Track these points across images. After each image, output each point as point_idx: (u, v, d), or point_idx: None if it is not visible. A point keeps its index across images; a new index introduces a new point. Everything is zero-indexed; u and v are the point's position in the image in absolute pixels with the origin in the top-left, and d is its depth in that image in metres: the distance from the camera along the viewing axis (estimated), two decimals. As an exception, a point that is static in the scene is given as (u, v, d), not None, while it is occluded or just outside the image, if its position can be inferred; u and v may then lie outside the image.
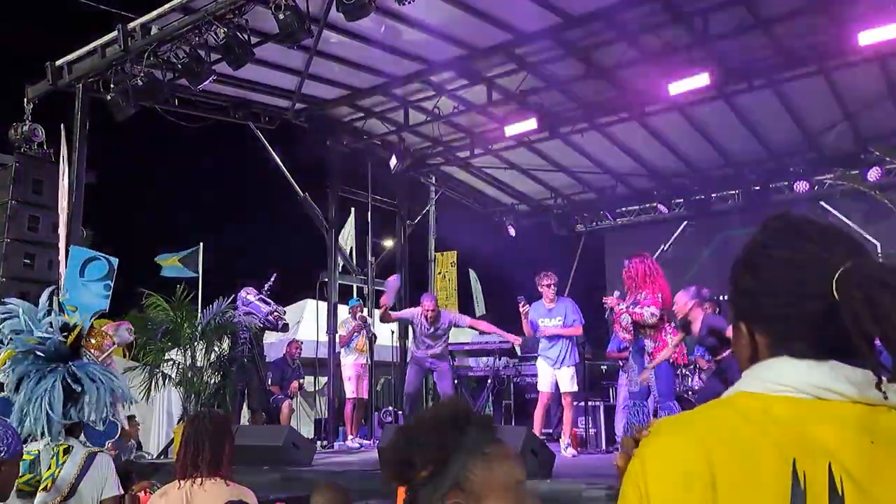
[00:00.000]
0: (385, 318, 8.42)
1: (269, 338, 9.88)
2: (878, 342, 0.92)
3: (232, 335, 8.33)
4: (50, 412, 3.01)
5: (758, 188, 11.31)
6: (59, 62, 8.60)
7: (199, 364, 8.16)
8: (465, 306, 13.19)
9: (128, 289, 8.72)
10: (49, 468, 2.94)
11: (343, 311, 9.91)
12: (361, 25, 7.61)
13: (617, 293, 7.06)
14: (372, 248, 11.61)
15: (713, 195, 11.93)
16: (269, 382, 9.18)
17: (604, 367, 9.25)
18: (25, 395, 3.06)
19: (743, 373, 1.05)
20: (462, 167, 12.29)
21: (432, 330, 7.93)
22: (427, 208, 12.83)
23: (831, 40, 7.87)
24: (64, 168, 8.69)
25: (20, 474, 2.74)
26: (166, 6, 7.55)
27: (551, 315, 7.48)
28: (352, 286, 11.47)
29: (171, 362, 8.42)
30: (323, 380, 10.81)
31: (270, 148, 10.27)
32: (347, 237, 12.06)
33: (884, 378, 0.93)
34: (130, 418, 9.45)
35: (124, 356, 9.03)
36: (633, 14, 7.76)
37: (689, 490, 0.93)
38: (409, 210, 12.10)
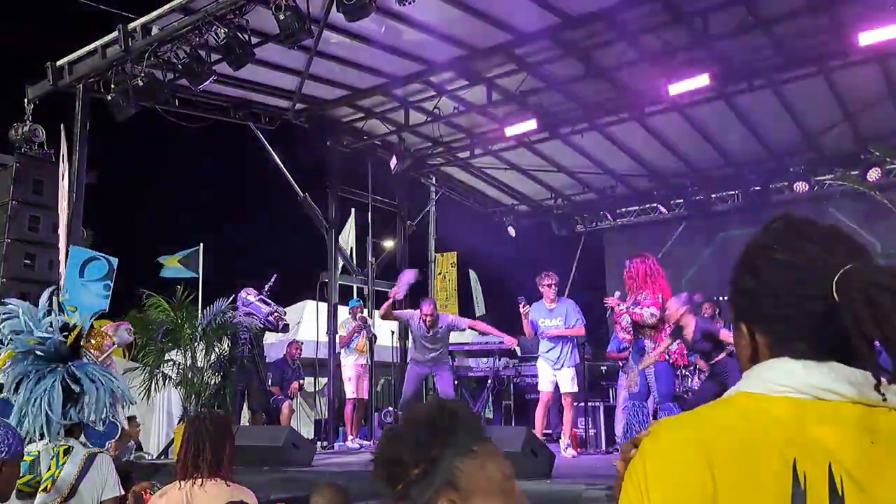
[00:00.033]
0: (387, 314, 8.26)
1: (270, 338, 9.87)
2: (877, 343, 0.92)
3: (232, 336, 8.33)
4: (49, 412, 3.01)
5: (758, 188, 11.30)
6: (59, 62, 8.60)
7: (199, 364, 8.16)
8: (465, 307, 13.19)
9: (128, 289, 8.73)
10: (49, 469, 2.94)
11: (343, 311, 9.92)
12: (362, 26, 7.61)
13: (618, 293, 7.06)
14: (372, 249, 11.61)
15: (713, 195, 11.93)
16: (270, 383, 9.18)
17: (604, 368, 9.26)
18: (25, 395, 3.06)
19: (743, 373, 1.05)
20: (462, 167, 12.29)
21: (431, 334, 7.87)
22: (427, 208, 12.83)
23: (831, 40, 7.88)
24: (64, 168, 8.69)
25: (20, 475, 2.74)
26: (167, 6, 7.55)
27: (552, 315, 7.48)
28: (352, 287, 11.47)
29: (172, 363, 8.42)
30: (323, 380, 10.81)
31: (270, 148, 10.27)
32: (347, 237, 12.06)
33: (883, 379, 0.93)
34: (131, 419, 9.45)
35: (124, 357, 9.03)
36: (633, 14, 7.76)
37: (690, 489, 0.94)
38: (409, 210, 12.10)
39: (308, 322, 11.10)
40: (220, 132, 10.44)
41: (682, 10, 7.73)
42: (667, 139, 10.69)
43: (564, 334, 7.42)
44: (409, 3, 6.60)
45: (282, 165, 10.42)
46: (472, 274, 13.84)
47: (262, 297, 8.76)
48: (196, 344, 8.12)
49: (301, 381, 9.95)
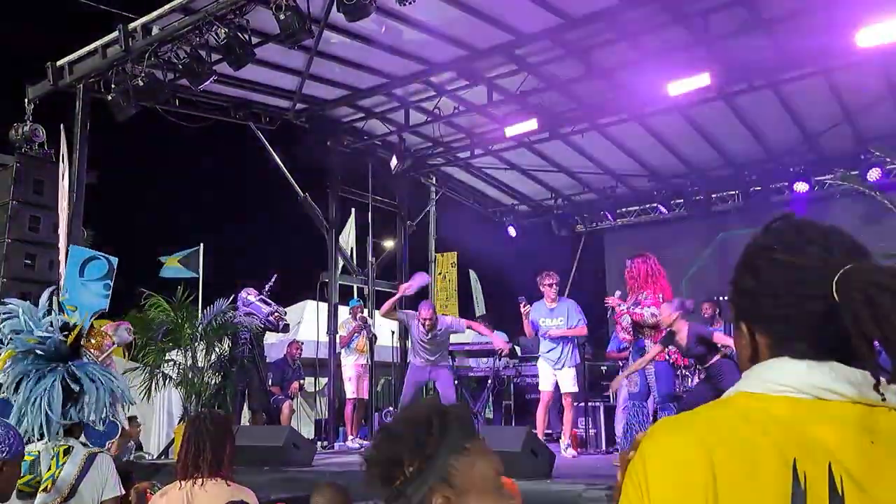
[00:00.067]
0: (389, 312, 8.15)
1: (270, 338, 9.87)
2: (877, 343, 0.92)
3: (232, 336, 8.34)
4: (49, 412, 3.01)
5: (758, 188, 11.31)
6: (59, 62, 8.60)
7: (199, 364, 8.16)
8: (465, 307, 13.19)
9: (128, 289, 8.72)
10: (49, 469, 2.94)
11: (343, 311, 9.92)
12: (362, 26, 7.62)
13: (618, 293, 7.06)
14: (372, 249, 11.61)
15: (713, 195, 11.93)
16: (270, 383, 9.18)
17: (604, 368, 9.25)
18: (24, 394, 3.06)
19: (743, 372, 1.05)
20: (462, 168, 12.30)
21: (430, 337, 7.83)
22: (427, 208, 12.82)
23: (831, 40, 7.87)
24: (64, 168, 8.70)
25: (20, 475, 2.74)
26: (167, 6, 7.55)
27: (553, 315, 7.48)
28: (352, 287, 11.47)
29: (172, 363, 8.42)
30: (323, 380, 10.81)
31: (271, 148, 10.27)
32: (348, 237, 12.06)
33: (882, 379, 0.94)
34: (132, 419, 9.45)
35: (124, 356, 9.03)
36: (634, 14, 7.76)
37: (690, 489, 0.94)
38: (409, 210, 12.10)
39: (308, 322, 11.11)
40: (221, 132, 10.45)
41: (682, 10, 7.73)
42: (667, 139, 10.69)
43: (567, 335, 7.42)
44: (410, 3, 6.60)
45: (282, 165, 10.42)
46: (473, 274, 13.84)
47: (262, 297, 8.76)
48: (196, 344, 8.12)
49: (301, 381, 9.95)
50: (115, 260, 7.20)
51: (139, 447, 10.04)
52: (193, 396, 8.05)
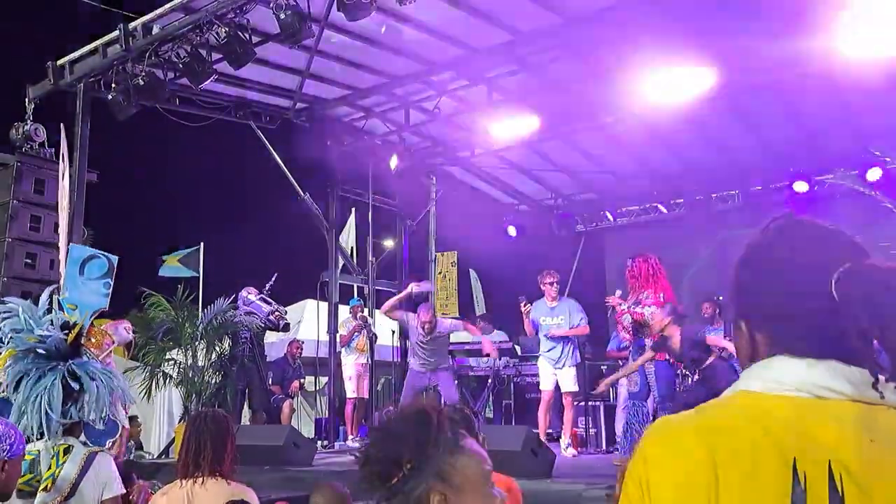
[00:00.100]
0: (392, 309, 8.16)
1: (270, 337, 9.88)
2: (876, 343, 0.93)
3: (233, 335, 8.35)
4: (49, 411, 3.01)
5: (758, 188, 11.30)
6: (60, 62, 8.60)
7: (200, 364, 8.17)
8: (466, 306, 13.19)
9: (128, 288, 8.73)
10: (49, 468, 2.94)
11: (344, 310, 9.92)
12: (362, 25, 7.62)
13: (619, 292, 7.07)
14: (372, 248, 11.61)
15: (713, 195, 11.93)
16: (270, 382, 9.19)
17: (604, 367, 9.25)
18: (24, 393, 3.06)
19: (743, 371, 1.05)
20: (462, 167, 12.29)
21: (428, 339, 7.83)
22: (427, 208, 12.82)
23: (832, 40, 7.86)
24: (64, 167, 8.69)
25: (21, 474, 2.74)
26: (167, 6, 7.55)
27: (553, 314, 7.49)
28: (352, 286, 11.47)
29: (172, 362, 8.43)
30: (323, 379, 10.82)
31: (271, 148, 10.27)
32: (348, 237, 12.06)
33: (881, 377, 0.94)
34: (133, 419, 9.46)
35: (125, 356, 9.04)
36: (634, 14, 7.75)
37: (692, 489, 0.94)
38: (409, 210, 12.10)
39: (309, 321, 11.11)
40: (221, 132, 10.45)
41: (682, 10, 7.72)
42: (667, 139, 10.69)
43: (570, 335, 7.43)
44: (410, 3, 6.60)
45: (282, 165, 10.42)
46: (473, 273, 13.83)
47: (262, 296, 8.78)
48: (197, 343, 8.13)
49: (302, 381, 9.96)
50: (115, 258, 7.19)
51: (139, 446, 10.05)
52: (194, 396, 8.06)
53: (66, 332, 3.25)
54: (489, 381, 9.48)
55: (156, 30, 7.70)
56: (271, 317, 8.73)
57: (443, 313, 12.24)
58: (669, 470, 0.96)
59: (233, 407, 8.15)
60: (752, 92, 9.06)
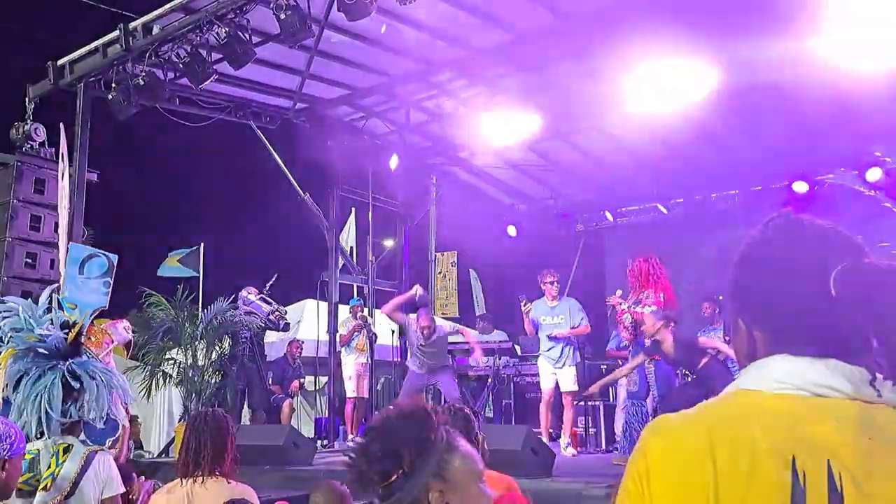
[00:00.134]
0: (394, 311, 8.18)
1: (270, 337, 9.88)
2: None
3: (233, 334, 8.35)
4: (49, 410, 3.01)
5: (758, 188, 11.30)
6: (60, 61, 8.60)
7: (200, 363, 8.18)
8: (466, 306, 13.19)
9: (128, 288, 8.73)
10: (49, 467, 2.94)
11: (343, 310, 9.92)
12: (362, 25, 7.62)
13: (619, 292, 7.07)
14: (372, 248, 11.61)
15: (713, 195, 11.93)
16: (270, 382, 9.19)
17: (604, 367, 9.25)
18: (24, 392, 3.06)
19: (742, 370, 1.06)
20: (462, 167, 12.29)
21: (427, 343, 7.85)
22: (427, 208, 12.82)
23: (832, 40, 7.86)
24: (64, 167, 8.70)
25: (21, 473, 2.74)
26: (168, 6, 7.55)
27: (554, 313, 7.49)
28: (352, 286, 11.47)
29: (172, 361, 8.44)
30: (323, 379, 10.81)
31: (271, 148, 10.28)
32: (348, 237, 12.06)
33: (878, 375, 0.94)
34: (133, 418, 9.47)
35: (124, 355, 9.05)
36: (634, 14, 7.75)
37: (693, 487, 0.94)
38: (409, 210, 12.10)
39: (308, 321, 11.11)
40: (221, 132, 10.45)
41: (683, 9, 7.72)
42: (667, 139, 10.68)
43: (571, 335, 7.43)
44: (410, 3, 6.61)
45: (282, 165, 10.42)
46: (473, 273, 13.83)
47: (262, 295, 8.78)
48: (197, 343, 8.14)
49: (301, 380, 9.96)
50: (114, 257, 7.19)
51: (139, 446, 10.05)
52: (194, 395, 8.07)
53: (66, 331, 3.25)
54: (489, 380, 9.48)
55: (156, 30, 7.70)
56: (271, 316, 8.74)
57: (442, 313, 12.25)
58: (669, 468, 0.97)
59: (233, 406, 8.16)
60: (752, 92, 9.05)
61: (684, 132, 10.43)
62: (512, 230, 12.93)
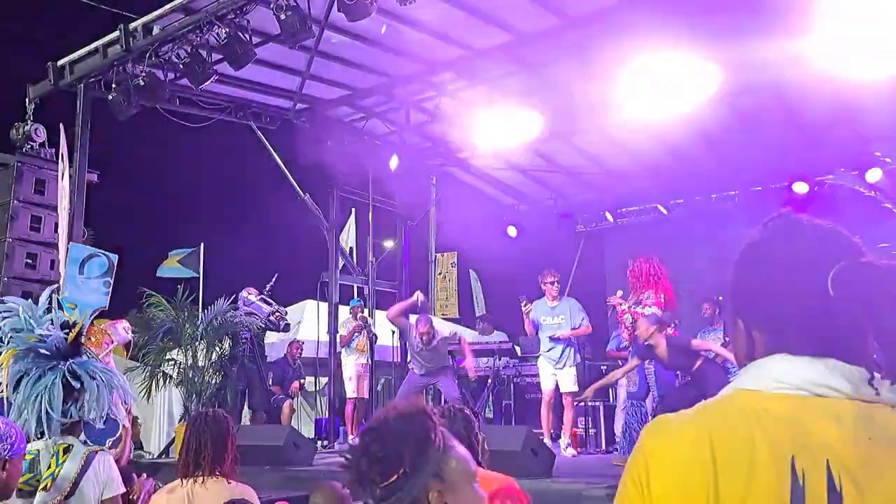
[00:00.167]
0: (397, 317, 8.24)
1: (270, 338, 9.88)
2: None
3: (233, 335, 8.35)
4: (49, 410, 3.01)
5: (758, 188, 11.30)
6: (60, 62, 8.61)
7: (200, 364, 8.18)
8: (466, 307, 13.20)
9: (128, 288, 8.73)
10: (49, 467, 2.94)
11: (344, 311, 9.92)
12: (362, 26, 7.62)
13: (620, 292, 7.08)
14: (372, 249, 11.61)
15: (713, 195, 11.93)
16: (270, 382, 9.19)
17: (603, 367, 9.25)
18: (25, 393, 3.06)
19: (740, 370, 1.06)
20: (462, 168, 12.29)
21: (427, 349, 7.88)
22: (427, 209, 12.83)
23: (832, 40, 7.86)
24: (64, 167, 8.70)
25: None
26: (168, 6, 7.56)
27: (554, 313, 7.49)
28: (352, 286, 11.48)
29: (173, 362, 8.43)
30: (324, 380, 10.81)
31: (271, 148, 10.28)
32: (348, 237, 12.06)
33: (876, 375, 0.94)
34: (133, 420, 9.47)
35: (124, 355, 9.05)
36: (634, 15, 7.75)
37: (693, 487, 0.94)
38: (409, 211, 12.10)
39: (309, 321, 11.11)
40: (221, 132, 10.45)
41: (682, 10, 7.73)
42: (667, 139, 10.69)
43: (573, 335, 7.43)
44: (410, 4, 6.61)
45: (282, 165, 10.42)
46: (473, 274, 13.83)
47: (263, 296, 8.78)
48: (197, 343, 8.14)
49: (302, 381, 9.96)
50: (114, 257, 7.19)
51: (139, 446, 10.05)
52: (194, 396, 8.07)
53: (66, 331, 3.25)
54: (489, 381, 9.48)
55: (156, 30, 7.70)
56: (271, 317, 8.74)
57: (442, 314, 12.26)
58: (669, 468, 0.97)
59: (233, 407, 8.16)
60: (752, 92, 9.05)
61: (684, 133, 10.43)
62: (512, 231, 12.93)
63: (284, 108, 9.99)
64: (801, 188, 10.77)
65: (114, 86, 8.07)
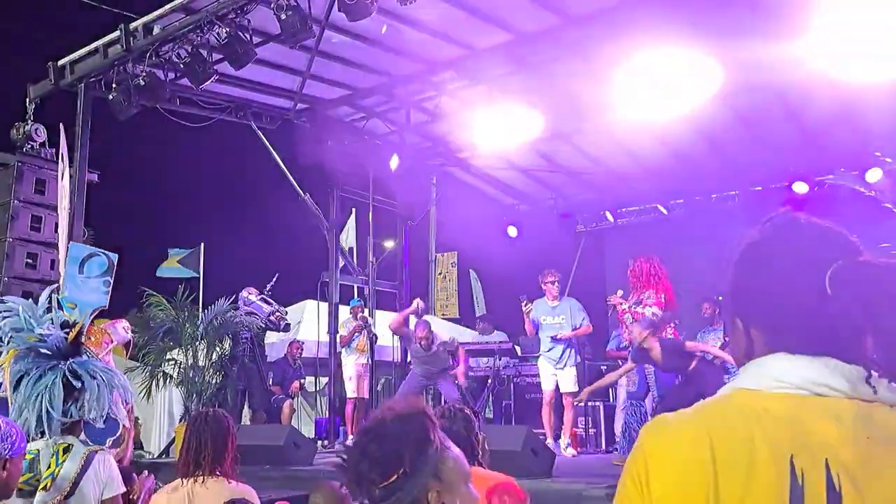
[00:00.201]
0: (399, 327, 8.35)
1: (271, 338, 9.88)
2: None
3: (233, 335, 8.36)
4: (50, 409, 3.01)
5: (758, 188, 11.30)
6: (61, 62, 8.61)
7: (200, 364, 8.18)
8: (466, 307, 13.20)
9: (128, 288, 8.73)
10: (49, 467, 2.94)
11: (344, 311, 9.93)
12: (363, 26, 7.62)
13: (620, 292, 7.08)
14: (372, 249, 11.61)
15: (713, 195, 11.93)
16: (271, 382, 9.19)
17: (604, 367, 9.25)
18: (25, 392, 3.06)
19: (740, 369, 1.06)
20: (462, 167, 12.29)
21: (428, 353, 7.93)
22: (427, 209, 12.83)
23: (832, 40, 7.86)
24: (64, 167, 8.70)
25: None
26: (168, 6, 7.56)
27: (554, 313, 7.49)
28: (353, 286, 11.48)
29: (173, 362, 8.44)
30: (324, 380, 10.81)
31: (271, 148, 10.28)
32: (348, 237, 12.06)
33: (873, 374, 0.94)
34: (134, 420, 9.46)
35: (124, 355, 9.05)
36: (634, 14, 7.76)
37: (693, 487, 0.94)
38: (410, 210, 12.10)
39: (309, 321, 11.11)
40: (222, 132, 10.46)
41: (682, 10, 7.73)
42: (667, 139, 10.69)
43: (573, 335, 7.44)
44: (410, 3, 6.61)
45: (283, 165, 10.43)
46: (473, 274, 13.84)
47: (263, 296, 8.78)
48: (197, 343, 8.14)
49: (302, 381, 9.96)
50: (114, 256, 7.18)
51: (139, 446, 10.05)
52: (194, 395, 8.07)
53: (67, 330, 3.25)
54: (489, 381, 9.48)
55: (156, 30, 7.70)
56: (272, 317, 8.74)
57: (443, 314, 12.26)
58: (668, 467, 0.97)
59: (233, 407, 8.16)
60: (753, 92, 9.05)
61: (685, 133, 10.43)
62: (512, 231, 12.93)
63: (285, 107, 10.00)
64: (801, 188, 10.77)
65: (114, 85, 8.07)
